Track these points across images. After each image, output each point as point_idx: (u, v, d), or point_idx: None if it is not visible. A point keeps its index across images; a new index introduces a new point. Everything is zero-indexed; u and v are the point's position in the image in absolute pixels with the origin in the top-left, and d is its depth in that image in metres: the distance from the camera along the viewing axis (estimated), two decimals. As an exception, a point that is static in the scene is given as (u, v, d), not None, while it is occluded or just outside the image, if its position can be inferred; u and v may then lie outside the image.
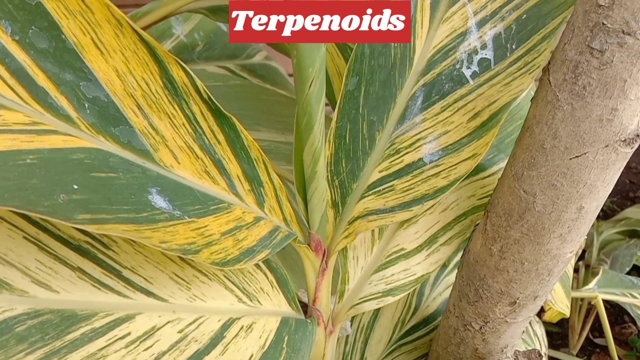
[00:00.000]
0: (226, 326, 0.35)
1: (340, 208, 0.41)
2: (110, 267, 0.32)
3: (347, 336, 0.56)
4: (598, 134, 0.35)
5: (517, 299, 0.45)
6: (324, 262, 0.42)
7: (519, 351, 0.55)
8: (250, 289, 0.38)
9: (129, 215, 0.28)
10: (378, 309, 0.56)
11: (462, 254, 0.49)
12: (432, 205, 0.46)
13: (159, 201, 0.30)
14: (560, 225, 0.40)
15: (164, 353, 0.31)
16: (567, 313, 0.65)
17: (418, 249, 0.46)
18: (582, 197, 0.38)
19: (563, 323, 1.30)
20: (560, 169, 0.37)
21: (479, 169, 0.47)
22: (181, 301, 0.34)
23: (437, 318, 0.60)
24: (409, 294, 0.58)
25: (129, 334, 0.31)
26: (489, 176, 0.48)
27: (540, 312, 0.77)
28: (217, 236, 0.32)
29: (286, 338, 0.38)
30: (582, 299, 1.24)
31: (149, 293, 0.32)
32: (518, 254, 0.42)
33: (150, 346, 0.31)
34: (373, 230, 0.46)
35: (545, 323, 0.86)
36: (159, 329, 0.32)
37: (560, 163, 0.37)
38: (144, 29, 0.69)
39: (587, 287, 0.95)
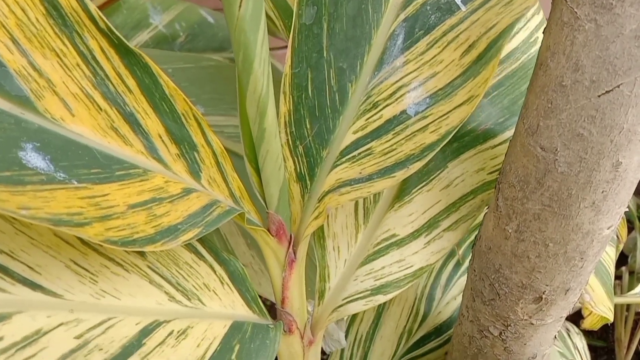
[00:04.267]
0: (147, 331, 0.26)
1: (307, 182, 0.33)
2: (-23, 252, 0.24)
3: (342, 350, 0.46)
4: (634, 57, 0.26)
5: (543, 293, 0.36)
6: (290, 251, 0.33)
7: (553, 365, 0.45)
8: (187, 285, 0.29)
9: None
10: (379, 317, 0.47)
11: (473, 243, 0.40)
12: (429, 180, 0.37)
13: (34, 159, 0.23)
14: (592, 189, 0.30)
15: (51, 366, 0.23)
16: (611, 317, 0.55)
17: (414, 235, 0.37)
18: (618, 148, 0.29)
19: (608, 336, 1.17)
20: (587, 112, 0.28)
21: (487, 136, 0.39)
22: (82, 297, 0.25)
23: (451, 327, 0.50)
24: (415, 298, 0.49)
25: (0, 339, 0.23)
26: (500, 144, 0.39)
27: (579, 320, 0.66)
28: (122, 208, 0.24)
29: (237, 348, 0.29)
30: (628, 308, 1.12)
31: (34, 286, 0.24)
32: (540, 232, 0.33)
33: (32, 356, 0.23)
34: (357, 213, 0.37)
35: (586, 335, 0.75)
36: (46, 333, 0.24)
37: (586, 103, 0.28)
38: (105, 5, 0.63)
39: (633, 291, 0.83)
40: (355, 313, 0.48)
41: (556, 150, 0.30)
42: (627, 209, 0.72)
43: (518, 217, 0.34)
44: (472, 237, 0.52)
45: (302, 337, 0.36)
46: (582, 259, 0.34)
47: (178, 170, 0.28)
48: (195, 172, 0.28)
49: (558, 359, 0.59)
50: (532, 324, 0.38)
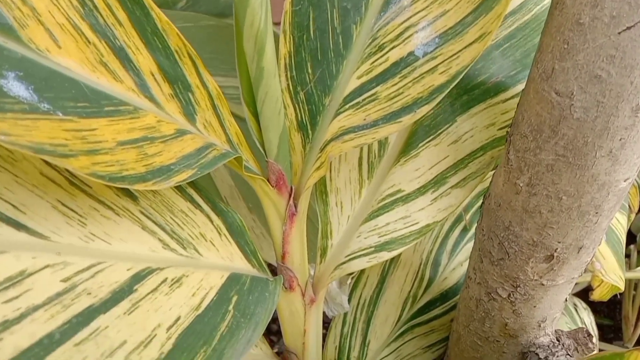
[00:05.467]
0: (139, 277, 0.25)
1: (309, 131, 0.31)
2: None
3: (345, 314, 0.45)
4: (660, -13, 0.24)
5: (555, 250, 0.34)
6: (291, 203, 0.32)
7: (562, 331, 0.44)
8: (183, 234, 0.28)
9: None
10: (383, 281, 0.46)
11: (482, 203, 0.38)
12: (437, 135, 0.36)
13: (16, 88, 0.21)
14: (609, 136, 0.29)
15: (36, 307, 0.22)
16: (622, 286, 0.53)
17: (420, 191, 0.36)
18: (638, 90, 0.27)
19: (615, 314, 1.16)
20: (606, 51, 0.26)
21: (499, 89, 0.37)
22: (70, 240, 0.24)
23: (457, 293, 0.49)
24: (420, 263, 0.48)
25: (-20, 280, 0.21)
26: (511, 98, 0.37)
27: (588, 293, 0.65)
28: (111, 144, 0.23)
29: (234, 299, 0.28)
30: (635, 287, 1.10)
31: (18, 225, 0.23)
32: (553, 185, 0.31)
33: (15, 297, 0.22)
34: (361, 168, 0.36)
35: (594, 314, 0.73)
36: (30, 274, 0.22)
37: (605, 42, 0.26)
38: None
39: (642, 267, 0.82)
40: (359, 277, 0.46)
41: (572, 94, 0.28)
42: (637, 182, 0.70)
43: (530, 170, 0.32)
44: (480, 203, 0.50)
45: (303, 295, 0.35)
46: (596, 213, 0.32)
47: (171, 111, 0.26)
48: (190, 114, 0.27)
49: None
50: (542, 284, 0.36)
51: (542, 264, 0.35)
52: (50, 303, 0.22)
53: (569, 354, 0.40)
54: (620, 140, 0.29)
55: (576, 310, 0.78)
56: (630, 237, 1.21)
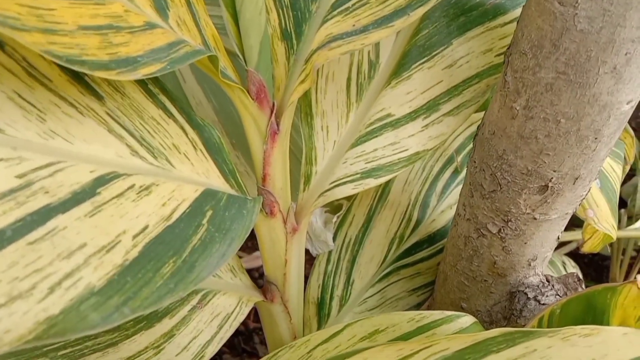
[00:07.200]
0: (103, 181, 0.23)
1: (294, 41, 0.29)
2: None
3: (330, 252, 0.44)
4: None
5: (550, 180, 0.32)
6: (272, 120, 0.29)
7: (551, 276, 0.42)
8: (154, 143, 0.26)
9: None
10: (369, 221, 0.44)
11: (475, 135, 0.37)
12: (431, 56, 0.34)
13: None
14: (614, 51, 0.27)
15: (-14, 204, 0.20)
16: (614, 236, 0.52)
17: (411, 116, 0.34)
18: (649, -4, 0.25)
19: (602, 278, 1.16)
20: (617, -50, 0.24)
21: (497, 12, 0.35)
22: (27, 135, 0.22)
23: (445, 236, 0.48)
24: (409, 204, 0.46)
25: None
26: (510, 22, 0.35)
27: (576, 257, 0.64)
28: (71, 27, 0.21)
29: (209, 213, 0.26)
30: (624, 252, 1.10)
31: (-33, 115, 0.21)
32: (551, 107, 0.30)
33: (-37, 192, 0.20)
34: (349, 90, 0.34)
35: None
36: (-20, 168, 0.20)
37: (617, -60, 0.24)
38: None
39: (633, 226, 0.81)
40: (345, 216, 0.45)
41: (576, 3, 0.26)
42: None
43: (528, 91, 0.30)
44: (472, 145, 0.49)
45: (285, 222, 0.33)
46: (595, 139, 0.30)
47: (141, 4, 0.24)
48: (161, 9, 0.25)
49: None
50: (534, 218, 0.35)
51: (536, 196, 0.34)
52: (2, 199, 0.20)
53: (558, 295, 0.39)
54: (625, 55, 0.27)
55: (565, 268, 0.77)
56: (621, 202, 1.20)
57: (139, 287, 0.21)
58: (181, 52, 0.24)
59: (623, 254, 1.13)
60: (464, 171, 0.49)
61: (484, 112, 0.38)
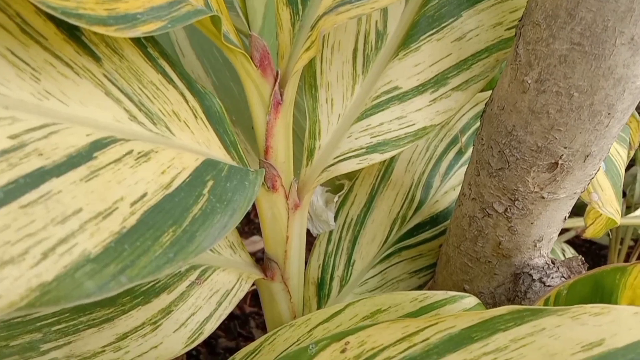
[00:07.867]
0: (100, 145, 0.22)
1: (299, 6, 0.28)
2: None
3: (331, 232, 0.43)
4: None
5: (560, 157, 0.32)
6: (276, 89, 0.28)
7: (555, 259, 0.42)
8: (153, 108, 0.25)
9: None
10: (371, 200, 0.43)
11: (482, 112, 0.36)
12: (440, 28, 0.33)
13: None
14: (632, 20, 0.26)
15: (-24, 165, 0.19)
16: (618, 220, 0.52)
17: (419, 90, 0.33)
18: (673, -38, 0.24)
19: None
20: None
21: (508, -16, 0.33)
22: (21, 95, 0.21)
23: (447, 218, 0.47)
24: (412, 184, 0.45)
25: None
26: (522, -6, 0.34)
27: (576, 248, 0.63)
28: (66, -21, 0.19)
29: (210, 183, 0.25)
30: (622, 241, 1.10)
31: (-44, 71, 0.20)
32: (564, 80, 0.29)
33: (-48, 151, 0.19)
34: (355, 61, 0.32)
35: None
36: (-29, 127, 0.19)
37: None
38: None
39: (634, 214, 0.80)
40: (347, 196, 0.44)
41: (596, -31, 0.25)
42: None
43: (541, 63, 0.29)
44: (478, 125, 0.48)
45: (287, 198, 0.32)
46: (609, 114, 0.29)
47: (142, -40, 0.23)
48: (163, -34, 0.23)
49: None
50: (542, 197, 0.34)
51: (545, 174, 0.33)
52: (-7, 160, 0.19)
53: (563, 277, 0.39)
54: (645, 25, 0.26)
55: (564, 255, 0.77)
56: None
57: (137, 255, 0.20)
58: (182, 10, 0.23)
59: (621, 243, 1.13)
60: (468, 152, 0.48)
61: (489, 91, 0.38)
